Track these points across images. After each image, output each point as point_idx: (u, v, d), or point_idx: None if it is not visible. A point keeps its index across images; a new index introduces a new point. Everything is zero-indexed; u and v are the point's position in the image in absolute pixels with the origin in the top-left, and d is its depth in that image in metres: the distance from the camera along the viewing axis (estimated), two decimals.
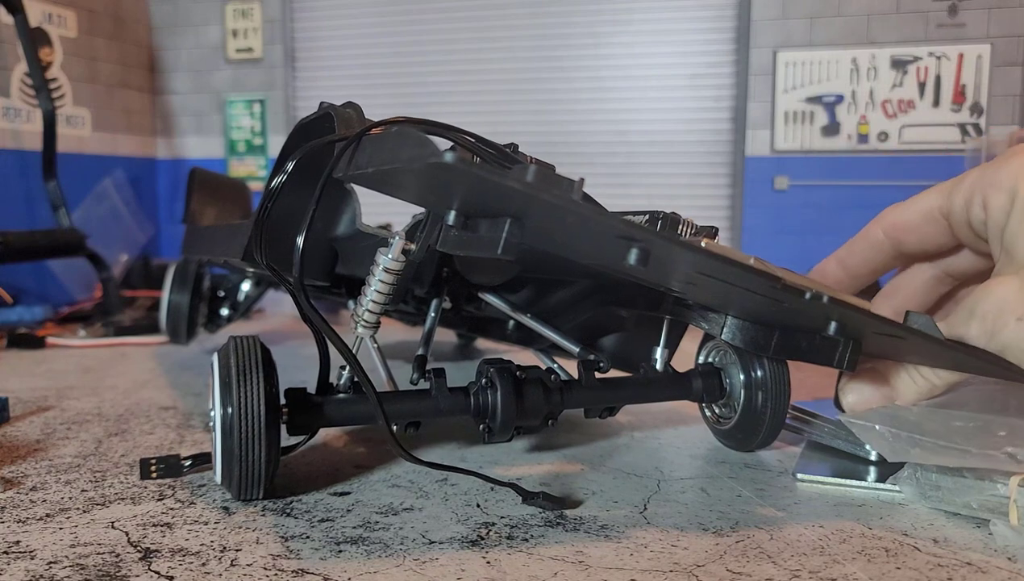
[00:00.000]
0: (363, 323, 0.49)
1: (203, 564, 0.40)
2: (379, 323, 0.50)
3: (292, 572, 0.39)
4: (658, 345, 0.58)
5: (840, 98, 2.38)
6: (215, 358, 0.46)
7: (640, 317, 0.64)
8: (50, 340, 1.21)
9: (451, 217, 0.37)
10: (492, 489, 0.51)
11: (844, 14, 2.37)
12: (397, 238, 0.46)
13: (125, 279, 2.06)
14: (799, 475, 0.53)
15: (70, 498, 0.49)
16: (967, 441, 0.44)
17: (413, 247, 0.46)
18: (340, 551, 0.41)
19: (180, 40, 2.86)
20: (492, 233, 0.35)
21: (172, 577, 0.38)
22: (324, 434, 0.64)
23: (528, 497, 0.47)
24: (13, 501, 0.49)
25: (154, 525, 0.45)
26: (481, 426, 0.51)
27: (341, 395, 0.50)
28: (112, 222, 2.22)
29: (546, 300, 0.64)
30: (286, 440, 0.50)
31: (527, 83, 2.69)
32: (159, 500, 0.49)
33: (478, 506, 0.48)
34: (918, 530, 0.44)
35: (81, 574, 0.38)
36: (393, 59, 2.80)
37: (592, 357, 0.56)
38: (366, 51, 2.83)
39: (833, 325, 0.38)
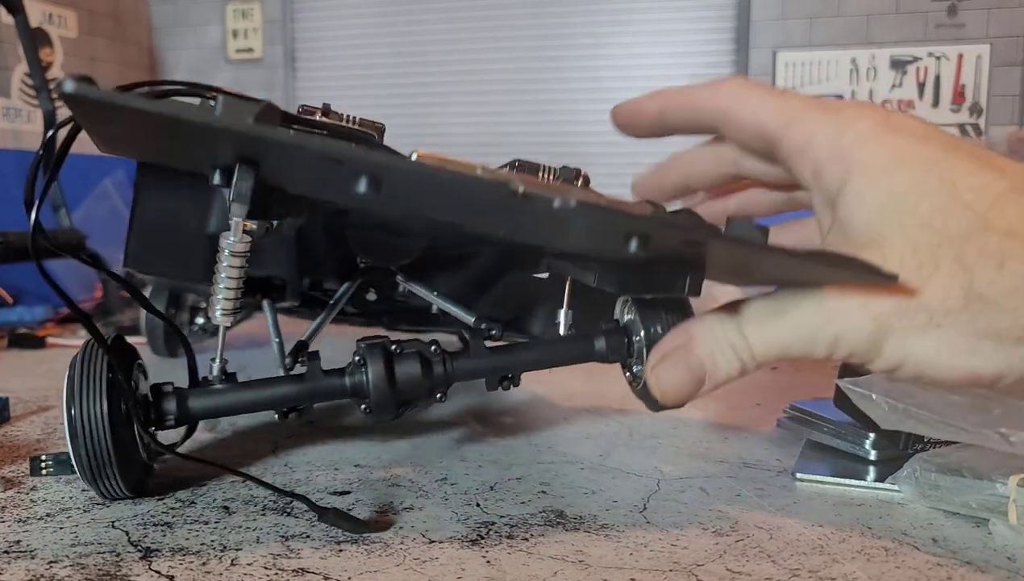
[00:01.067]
0: (221, 311, 0.47)
1: (203, 563, 0.40)
2: (237, 310, 0.48)
3: (292, 571, 0.39)
4: (561, 307, 0.55)
5: (840, 98, 2.38)
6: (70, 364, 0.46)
7: (550, 284, 0.61)
8: (51, 340, 1.21)
9: (215, 176, 0.36)
10: (492, 488, 0.51)
11: (843, 14, 2.38)
12: (235, 219, 0.44)
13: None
14: (798, 475, 0.53)
15: (70, 497, 0.49)
16: (962, 418, 0.43)
17: (253, 226, 0.44)
18: (340, 550, 0.41)
19: (180, 40, 2.86)
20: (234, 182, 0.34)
21: (172, 577, 0.38)
22: (323, 433, 0.64)
23: (321, 514, 0.44)
24: (14, 500, 0.49)
25: (154, 524, 0.45)
26: (362, 406, 0.49)
27: (215, 387, 0.49)
28: (112, 222, 2.22)
29: (458, 277, 0.63)
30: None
31: (527, 83, 2.70)
32: (159, 499, 0.49)
33: (478, 505, 0.48)
34: (917, 529, 0.45)
35: (82, 573, 0.38)
36: (393, 59, 2.80)
37: (484, 325, 0.54)
38: (366, 51, 2.83)
39: (634, 242, 0.32)
